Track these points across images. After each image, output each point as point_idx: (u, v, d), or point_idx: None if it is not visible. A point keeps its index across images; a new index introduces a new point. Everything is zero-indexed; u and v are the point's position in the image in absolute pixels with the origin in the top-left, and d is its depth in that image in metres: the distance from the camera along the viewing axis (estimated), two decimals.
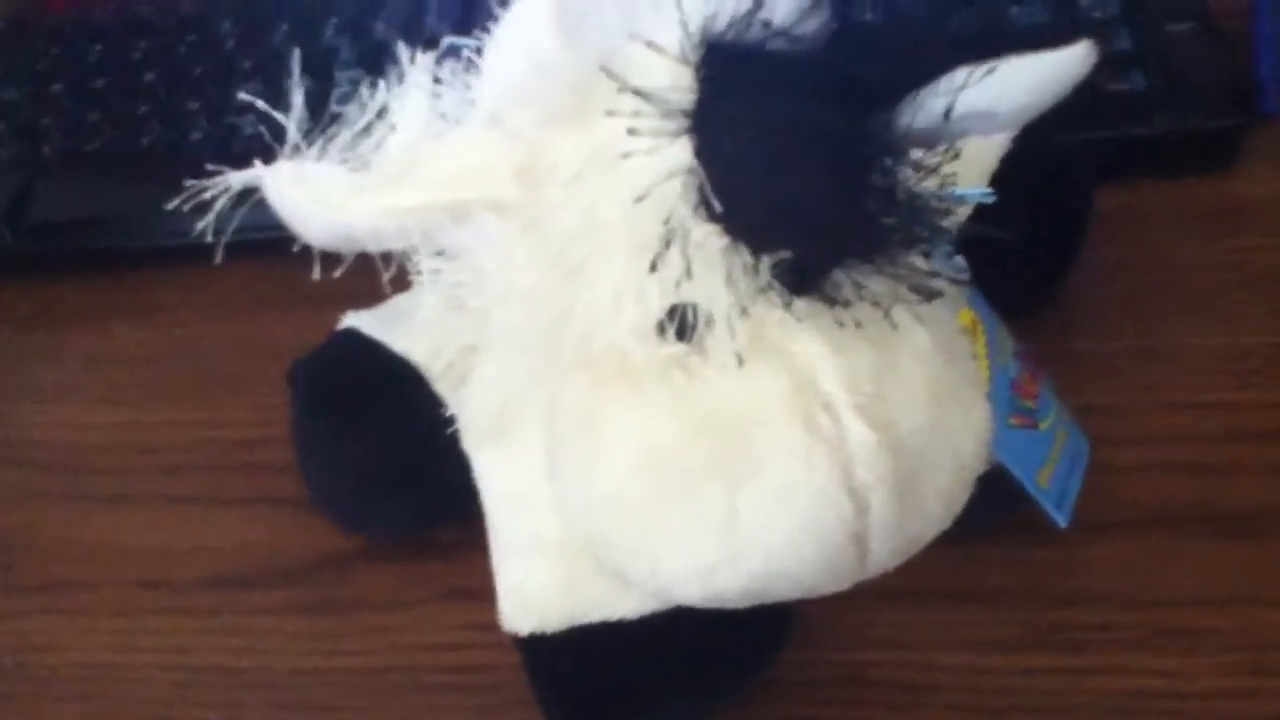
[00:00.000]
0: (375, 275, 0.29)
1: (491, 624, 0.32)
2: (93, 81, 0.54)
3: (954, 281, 0.25)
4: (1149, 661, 0.33)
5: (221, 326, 0.47)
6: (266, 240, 0.30)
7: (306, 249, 0.28)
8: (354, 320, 0.38)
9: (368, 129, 0.26)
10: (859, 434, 0.23)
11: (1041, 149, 0.36)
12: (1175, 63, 0.43)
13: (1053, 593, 0.35)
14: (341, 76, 0.51)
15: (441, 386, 0.35)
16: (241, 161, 0.28)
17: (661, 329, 0.24)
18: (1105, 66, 0.42)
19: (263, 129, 0.28)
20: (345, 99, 0.28)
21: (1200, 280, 0.41)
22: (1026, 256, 0.36)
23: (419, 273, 0.29)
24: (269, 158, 0.28)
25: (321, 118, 0.28)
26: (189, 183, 0.27)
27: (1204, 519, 0.35)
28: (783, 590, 0.25)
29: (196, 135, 0.51)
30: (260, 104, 0.27)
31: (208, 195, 0.27)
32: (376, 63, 0.52)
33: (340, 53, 0.52)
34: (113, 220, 0.50)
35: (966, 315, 0.31)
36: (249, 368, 0.45)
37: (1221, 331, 0.39)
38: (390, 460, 0.36)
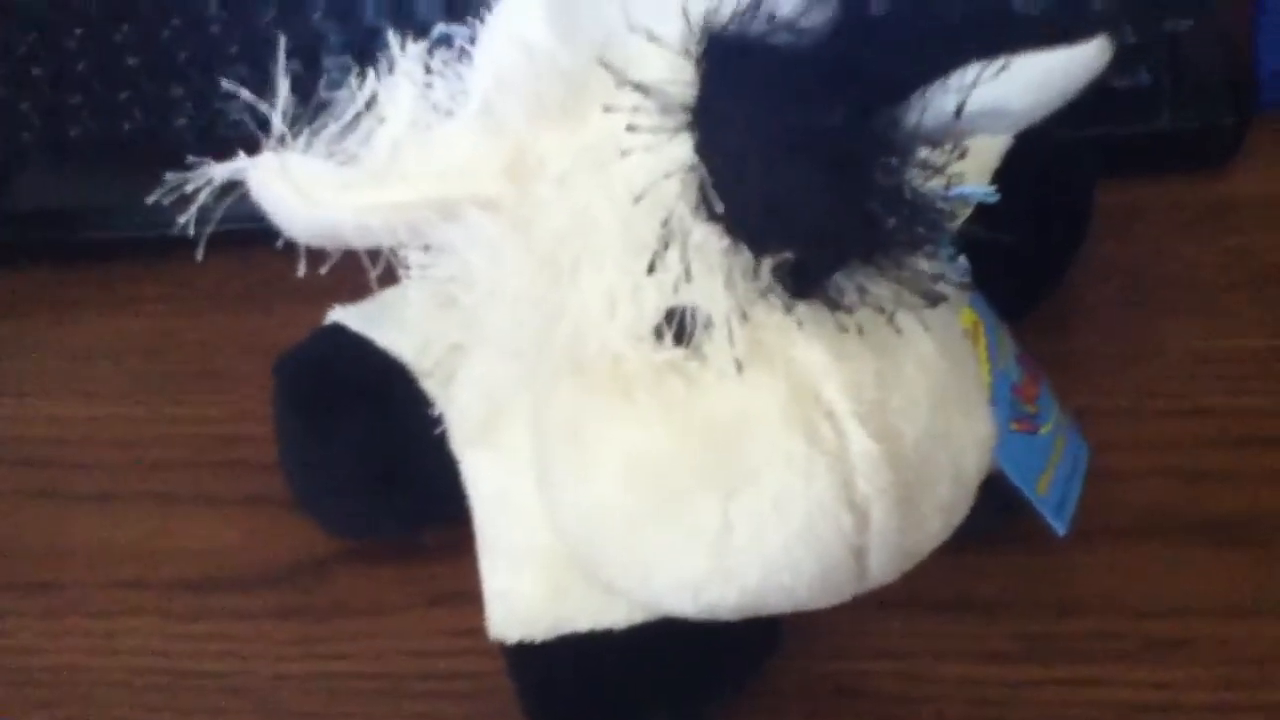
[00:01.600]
0: (364, 270, 0.28)
1: (477, 630, 0.31)
2: (74, 66, 0.53)
3: (957, 285, 0.25)
4: (1145, 673, 0.33)
5: (205, 320, 0.46)
6: (253, 232, 0.29)
7: (292, 242, 0.27)
8: (340, 315, 0.37)
9: (355, 120, 0.25)
10: (861, 444, 0.22)
11: (1044, 145, 0.35)
12: (1177, 58, 0.42)
13: (1047, 602, 0.34)
14: (329, 62, 0.50)
15: (430, 384, 0.34)
16: (227, 149, 0.27)
17: (659, 333, 0.23)
18: (1111, 61, 0.42)
19: (246, 117, 0.27)
20: (333, 85, 0.27)
21: (1199, 281, 0.40)
22: (1027, 255, 0.35)
23: (407, 268, 0.29)
24: (254, 146, 0.27)
25: (309, 104, 0.27)
26: (169, 175, 0.26)
27: (1200, 526, 0.35)
28: (779, 603, 0.24)
29: (180, 122, 0.50)
30: (245, 94, 0.26)
31: (189, 188, 0.26)
32: (365, 49, 0.51)
33: (328, 38, 0.51)
34: (94, 210, 0.49)
35: (968, 317, 0.31)
36: (233, 362, 0.44)
37: (1220, 333, 0.39)
38: (375, 461, 0.35)
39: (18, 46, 0.54)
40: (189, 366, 0.44)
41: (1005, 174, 0.34)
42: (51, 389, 0.45)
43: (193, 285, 0.46)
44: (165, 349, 0.45)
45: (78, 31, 0.54)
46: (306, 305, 0.37)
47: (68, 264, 0.48)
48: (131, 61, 0.52)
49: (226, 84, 0.28)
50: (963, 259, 0.30)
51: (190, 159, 0.26)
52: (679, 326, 0.23)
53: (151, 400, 0.43)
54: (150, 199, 0.26)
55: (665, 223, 0.22)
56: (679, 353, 0.23)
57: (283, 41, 0.25)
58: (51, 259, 0.49)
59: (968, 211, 0.30)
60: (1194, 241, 0.41)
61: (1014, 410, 0.32)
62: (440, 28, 0.25)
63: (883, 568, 0.24)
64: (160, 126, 0.50)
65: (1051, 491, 0.33)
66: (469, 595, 0.32)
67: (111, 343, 0.46)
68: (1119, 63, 0.42)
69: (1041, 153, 0.35)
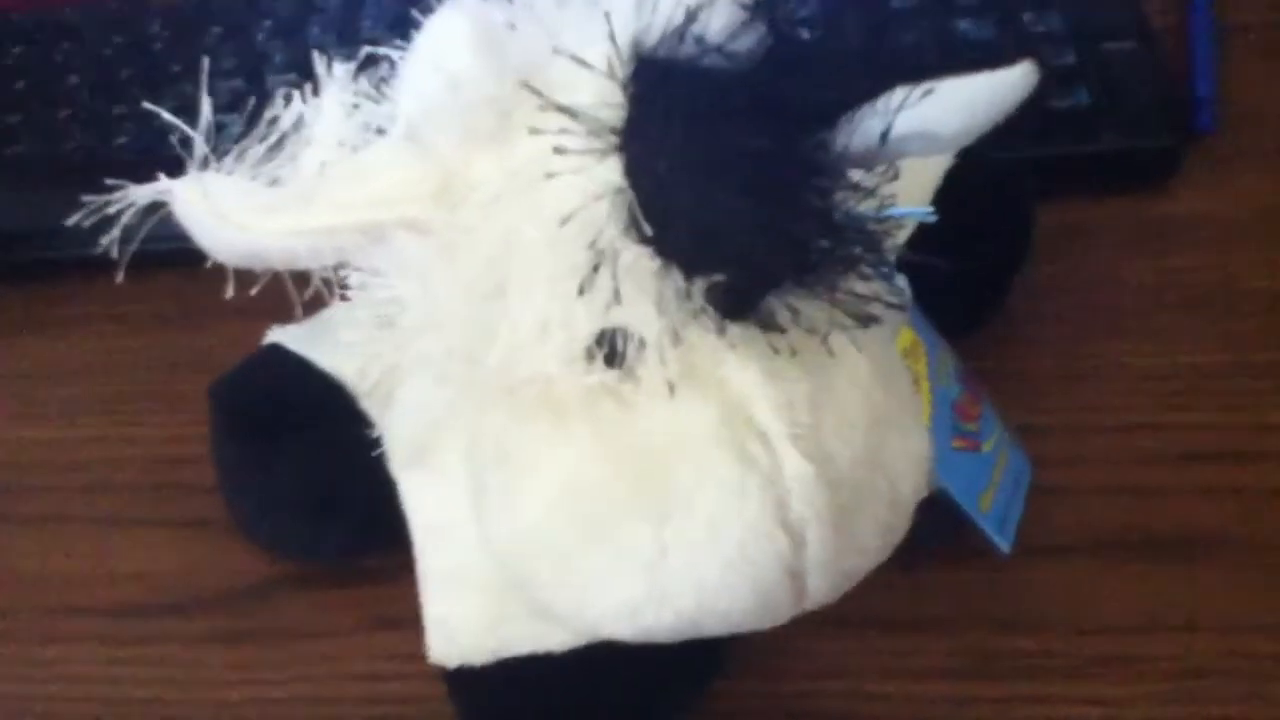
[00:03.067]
0: (305, 287, 0.28)
1: (418, 654, 0.31)
2: (12, 84, 0.52)
3: (892, 306, 0.25)
4: (1086, 689, 0.33)
5: (147, 339, 0.45)
6: (195, 252, 0.28)
7: (222, 265, 0.27)
8: (279, 335, 0.36)
9: (281, 142, 0.25)
10: (795, 466, 0.22)
11: (984, 165, 0.35)
12: (1115, 80, 0.43)
13: (989, 619, 0.34)
14: (274, 81, 0.50)
15: (370, 405, 0.33)
16: (170, 168, 0.26)
17: (590, 355, 0.23)
18: (1048, 83, 0.43)
19: (176, 140, 0.27)
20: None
21: (1137, 300, 0.41)
22: (969, 274, 0.35)
23: (340, 289, 0.28)
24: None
25: (255, 124, 0.27)
26: (87, 198, 0.26)
27: (1139, 543, 0.35)
28: (716, 626, 0.24)
29: (122, 140, 0.49)
30: (166, 115, 0.26)
31: (112, 210, 0.26)
32: (310, 68, 0.51)
33: (273, 57, 0.51)
34: (34, 231, 0.48)
35: (908, 336, 0.31)
36: (175, 382, 0.43)
37: (1157, 352, 0.39)
38: (315, 484, 0.35)
39: None
40: (131, 387, 0.44)
41: (946, 194, 0.34)
42: None
43: (134, 304, 0.46)
44: (107, 369, 0.44)
45: (16, 50, 0.53)
46: (252, 323, 0.37)
47: (6, 285, 0.48)
48: (72, 80, 0.52)
49: (147, 106, 0.28)
50: (902, 279, 0.31)
51: (109, 181, 0.26)
52: (610, 348, 0.23)
53: (93, 422, 0.43)
54: (70, 221, 0.26)
55: (593, 244, 0.22)
56: (611, 375, 0.23)
57: (205, 63, 0.25)
58: None
59: (905, 231, 0.30)
60: (1132, 261, 0.42)
61: (955, 428, 0.33)
62: (367, 49, 0.25)
63: (820, 589, 0.24)
64: (101, 145, 0.49)
65: (994, 508, 0.33)
66: (413, 619, 0.31)
67: (52, 363, 0.45)
68: (1059, 84, 0.43)
69: (981, 173, 0.35)
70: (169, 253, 0.28)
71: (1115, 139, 0.42)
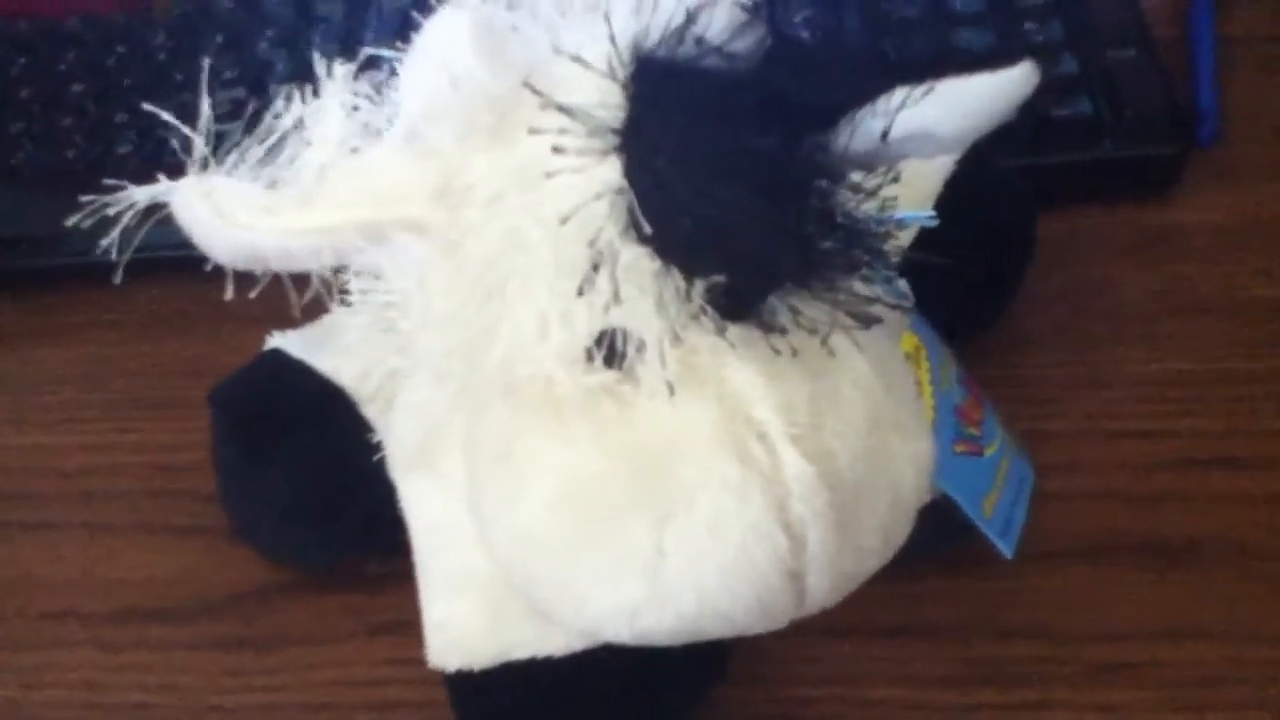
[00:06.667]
0: (306, 291, 0.28)
1: (417, 660, 0.31)
2: (16, 93, 0.52)
3: (895, 307, 0.25)
4: (1089, 696, 0.33)
5: (146, 347, 0.45)
6: (194, 258, 0.28)
7: (221, 267, 0.27)
8: (280, 341, 0.36)
9: (282, 143, 0.25)
10: (795, 466, 0.22)
11: (985, 173, 0.35)
12: (1117, 89, 0.43)
13: (991, 626, 0.34)
14: (276, 90, 0.50)
15: (370, 410, 0.33)
16: (171, 177, 0.26)
17: (589, 355, 0.23)
18: (1050, 91, 0.43)
19: (178, 144, 0.27)
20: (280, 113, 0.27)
21: (1139, 307, 0.41)
22: (971, 281, 0.35)
23: (346, 292, 0.28)
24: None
25: (255, 131, 0.27)
26: (87, 199, 0.26)
27: (1142, 550, 0.35)
28: (716, 629, 0.24)
29: (124, 149, 0.50)
30: (167, 117, 0.26)
31: (111, 212, 0.26)
32: (312, 77, 0.51)
33: (275, 66, 0.51)
34: (35, 237, 0.48)
35: (910, 341, 0.31)
36: (173, 389, 0.43)
37: (1160, 359, 0.39)
38: (314, 489, 0.35)
39: None
40: (128, 393, 0.44)
41: (947, 201, 0.34)
42: None
43: (134, 312, 0.46)
44: (104, 376, 0.44)
45: (20, 59, 0.53)
46: (248, 329, 0.37)
47: (6, 292, 0.48)
48: (75, 89, 0.52)
49: (147, 106, 0.28)
50: (902, 283, 0.31)
51: (109, 182, 0.26)
52: (609, 349, 0.23)
53: (90, 428, 0.43)
54: (70, 222, 0.26)
55: (593, 244, 0.22)
56: (610, 375, 0.23)
57: (206, 64, 0.25)
58: None
59: (907, 235, 0.30)
60: (1135, 269, 0.42)
61: (958, 432, 0.32)
62: (368, 51, 0.25)
63: (821, 591, 0.24)
64: (103, 154, 0.49)
65: (997, 513, 0.33)
66: (412, 624, 0.31)
67: (49, 370, 0.45)
68: (1060, 92, 0.43)
69: (982, 181, 0.35)
70: (165, 260, 0.28)
71: (1117, 147, 0.43)
